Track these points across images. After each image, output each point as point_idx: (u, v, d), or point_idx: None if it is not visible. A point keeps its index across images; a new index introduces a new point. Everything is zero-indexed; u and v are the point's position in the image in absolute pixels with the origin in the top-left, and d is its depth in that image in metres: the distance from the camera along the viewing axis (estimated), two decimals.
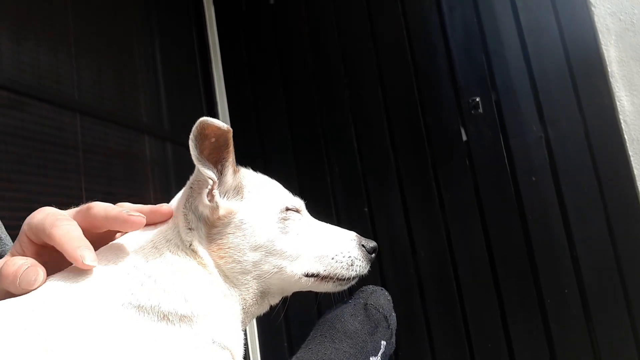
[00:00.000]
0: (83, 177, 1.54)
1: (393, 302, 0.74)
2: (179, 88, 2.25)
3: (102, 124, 1.71)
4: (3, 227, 0.85)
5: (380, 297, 0.74)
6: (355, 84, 2.30)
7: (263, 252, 0.60)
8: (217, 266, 0.57)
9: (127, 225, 0.52)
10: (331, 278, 0.65)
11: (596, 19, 1.93)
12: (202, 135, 0.54)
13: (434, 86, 2.18)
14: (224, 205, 0.59)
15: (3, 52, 1.44)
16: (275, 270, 0.61)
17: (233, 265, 0.58)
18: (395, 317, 0.71)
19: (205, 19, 2.51)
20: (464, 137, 2.11)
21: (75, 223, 0.49)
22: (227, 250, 0.58)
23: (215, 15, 2.55)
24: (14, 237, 0.85)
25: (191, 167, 0.58)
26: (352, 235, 0.70)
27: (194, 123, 0.54)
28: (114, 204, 0.56)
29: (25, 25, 1.52)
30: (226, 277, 0.58)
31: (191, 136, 0.54)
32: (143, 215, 0.52)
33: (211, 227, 0.58)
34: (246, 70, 2.47)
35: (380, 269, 2.11)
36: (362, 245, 0.69)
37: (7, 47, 1.45)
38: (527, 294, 1.94)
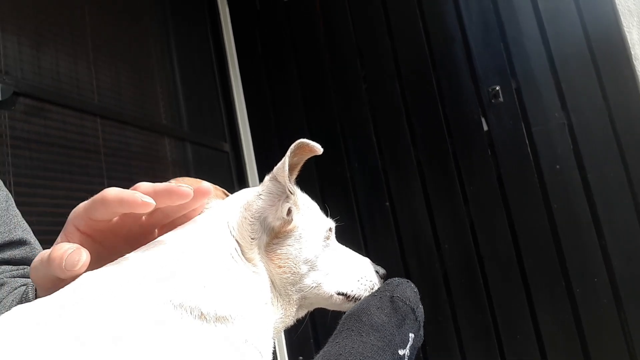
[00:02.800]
0: (106, 180, 1.56)
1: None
2: (197, 89, 2.26)
3: (123, 127, 1.73)
4: (31, 232, 0.87)
5: (407, 289, 0.74)
6: (372, 77, 2.29)
7: (309, 267, 0.63)
8: (270, 275, 0.59)
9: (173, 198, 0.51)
10: (356, 299, 0.68)
11: (617, 0, 1.88)
12: (296, 154, 0.58)
13: (452, 77, 2.15)
14: (295, 219, 0.62)
15: (24, 59, 1.46)
16: (314, 285, 0.64)
17: (288, 275, 0.61)
18: (422, 310, 0.70)
19: (220, 18, 2.52)
20: (485, 127, 2.09)
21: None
22: (286, 260, 0.60)
23: (230, 14, 2.56)
24: (41, 242, 0.86)
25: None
26: (369, 261, 0.74)
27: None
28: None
29: (45, 32, 1.55)
30: (274, 286, 0.60)
31: (288, 153, 0.57)
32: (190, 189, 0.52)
33: (273, 238, 0.60)
34: (262, 69, 2.48)
35: (405, 263, 2.09)
36: (376, 272, 0.73)
37: (28, 55, 1.47)
38: (555, 284, 1.91)
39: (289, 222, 0.61)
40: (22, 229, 0.84)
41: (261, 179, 0.64)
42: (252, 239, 0.58)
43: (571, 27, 1.96)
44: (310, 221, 0.65)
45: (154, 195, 0.51)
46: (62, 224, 0.53)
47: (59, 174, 1.44)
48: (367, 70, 2.31)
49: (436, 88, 2.17)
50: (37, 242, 0.85)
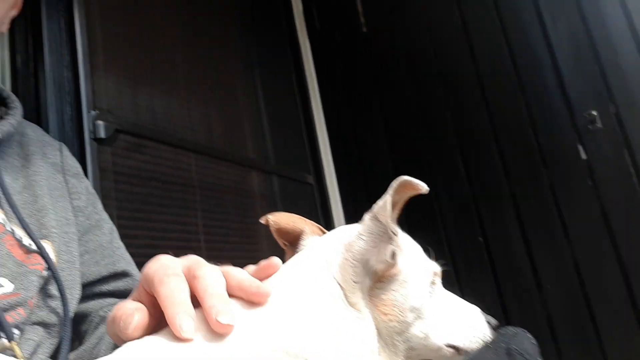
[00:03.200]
0: (199, 213, 1.61)
1: None
2: (281, 122, 2.31)
3: (214, 161, 1.80)
4: (133, 264, 0.89)
5: (524, 341, 0.69)
6: (457, 106, 2.22)
7: (415, 315, 0.57)
8: (376, 322, 0.55)
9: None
10: (467, 352, 0.62)
11: None
12: (398, 193, 0.54)
13: (543, 102, 2.04)
14: (399, 262, 0.57)
15: (124, 100, 1.56)
16: (422, 335, 0.58)
17: (394, 324, 0.55)
18: None
19: (301, 52, 2.58)
20: (583, 156, 1.94)
21: (183, 281, 0.46)
22: (392, 307, 0.56)
23: (311, 47, 2.61)
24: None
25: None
26: (479, 310, 0.67)
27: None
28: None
29: (143, 73, 1.65)
30: (380, 334, 0.55)
31: (390, 191, 0.53)
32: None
33: (377, 282, 0.55)
34: (344, 99, 2.49)
35: (503, 306, 1.96)
36: (487, 322, 0.66)
37: (127, 95, 1.57)
38: None
39: (393, 265, 0.56)
40: (126, 261, 0.87)
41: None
42: (354, 282, 0.54)
43: None
44: (415, 265, 0.60)
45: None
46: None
47: (157, 207, 1.51)
48: (452, 97, 2.25)
49: (527, 115, 2.06)
50: (139, 274, 0.88)
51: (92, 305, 0.80)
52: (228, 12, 2.23)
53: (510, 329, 0.70)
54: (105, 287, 0.82)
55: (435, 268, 0.63)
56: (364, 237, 0.55)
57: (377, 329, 0.55)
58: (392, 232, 0.54)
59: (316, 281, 0.53)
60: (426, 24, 2.33)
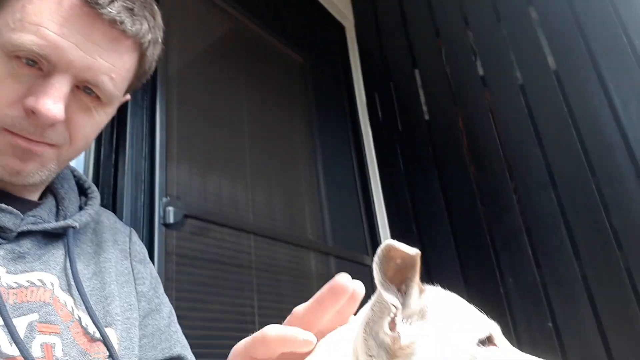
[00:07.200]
0: (255, 295, 1.63)
1: None
2: (340, 204, 2.35)
3: (273, 243, 1.83)
4: (189, 348, 0.89)
5: None
6: (523, 188, 2.17)
7: None
8: None
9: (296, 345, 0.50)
10: None
11: None
12: (387, 258, 0.51)
13: (615, 183, 1.94)
14: (407, 334, 0.51)
15: (193, 187, 1.67)
16: None
17: None
18: None
19: (363, 140, 2.65)
20: None
21: None
22: None
23: (372, 134, 2.69)
24: (196, 355, 0.89)
25: (363, 283, 0.55)
26: None
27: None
28: (280, 321, 0.56)
29: (210, 162, 1.76)
30: None
31: (375, 258, 0.50)
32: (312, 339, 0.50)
33: (392, 357, 0.50)
34: (404, 182, 2.50)
35: None
36: None
37: (196, 182, 1.68)
38: None
39: (398, 338, 0.50)
40: (182, 345, 0.86)
41: None
42: (369, 356, 0.50)
43: None
44: (441, 334, 0.52)
45: (309, 311, 0.52)
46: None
47: (215, 289, 1.55)
48: (518, 181, 2.20)
49: (597, 196, 1.97)
50: (193, 358, 0.88)
51: None
52: (294, 103, 2.37)
53: None
54: None
55: (481, 334, 0.54)
56: (373, 308, 0.53)
57: None
58: (389, 301, 0.50)
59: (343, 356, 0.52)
60: (489, 109, 2.34)
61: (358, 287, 0.53)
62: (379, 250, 0.50)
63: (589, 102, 2.07)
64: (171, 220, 1.48)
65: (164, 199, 1.51)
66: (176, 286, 1.41)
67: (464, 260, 2.20)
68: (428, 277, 2.33)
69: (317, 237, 2.13)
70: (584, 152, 2.04)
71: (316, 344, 0.52)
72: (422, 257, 0.50)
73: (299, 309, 0.53)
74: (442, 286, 0.60)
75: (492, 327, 0.56)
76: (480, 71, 2.43)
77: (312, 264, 2.00)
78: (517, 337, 1.99)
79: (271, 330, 0.50)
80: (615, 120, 1.99)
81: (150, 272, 0.89)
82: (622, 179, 1.93)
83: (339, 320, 0.54)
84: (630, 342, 1.77)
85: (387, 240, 0.50)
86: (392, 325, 0.51)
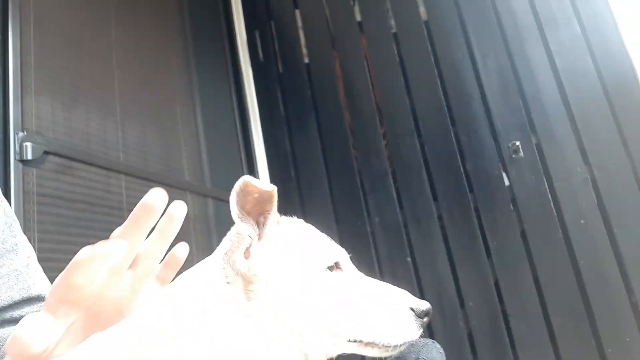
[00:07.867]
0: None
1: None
2: (220, 146, 2.32)
3: (147, 184, 1.76)
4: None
5: (433, 351, 0.71)
6: (391, 134, 2.32)
7: (301, 315, 0.55)
8: (257, 325, 0.54)
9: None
10: (376, 344, 0.57)
11: (634, 57, 1.91)
12: (245, 192, 0.54)
13: (471, 133, 2.16)
14: (260, 261, 0.55)
15: (57, 121, 1.52)
16: (315, 334, 0.55)
17: (273, 327, 0.54)
18: None
19: (243, 79, 2.60)
20: (507, 182, 2.07)
21: None
22: (265, 310, 0.54)
23: (253, 76, 2.65)
24: None
25: (232, 223, 0.57)
26: (401, 295, 0.62)
27: (235, 180, 0.54)
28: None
29: (76, 94, 1.62)
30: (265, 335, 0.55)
31: (232, 193, 0.53)
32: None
33: (248, 284, 0.54)
34: (284, 127, 2.53)
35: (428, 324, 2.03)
36: (412, 309, 0.60)
37: (59, 117, 1.54)
38: (585, 344, 1.82)
39: (252, 265, 0.55)
40: (42, 285, 0.82)
41: None
42: (227, 283, 0.54)
43: (590, 84, 1.98)
44: (293, 262, 0.57)
45: (125, 232, 0.50)
46: None
47: (82, 230, 1.46)
48: (387, 127, 2.34)
49: (456, 144, 2.18)
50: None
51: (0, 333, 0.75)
52: (169, 35, 2.23)
53: (420, 340, 0.69)
54: (17, 313, 0.76)
55: (329, 261, 0.59)
56: (231, 239, 0.56)
57: (262, 331, 0.54)
58: (245, 232, 0.55)
59: (207, 284, 0.55)
60: (365, 58, 2.42)
61: (178, 207, 0.54)
62: (236, 185, 0.53)
63: (453, 54, 2.25)
64: (29, 156, 1.36)
65: (20, 134, 1.38)
66: (38, 227, 1.31)
67: (336, 201, 2.32)
68: (303, 215, 2.42)
69: (195, 179, 2.09)
70: (446, 102, 2.22)
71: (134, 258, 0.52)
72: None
73: (116, 231, 0.51)
74: (317, 224, 0.65)
75: (340, 254, 0.62)
76: (358, 17, 2.48)
77: (189, 206, 1.96)
78: (380, 269, 2.18)
79: (82, 251, 0.47)
80: (474, 72, 2.19)
81: (4, 210, 0.82)
82: (477, 129, 2.15)
83: (162, 242, 0.55)
84: (476, 275, 2.04)
85: (244, 176, 0.53)
86: (248, 254, 0.55)
